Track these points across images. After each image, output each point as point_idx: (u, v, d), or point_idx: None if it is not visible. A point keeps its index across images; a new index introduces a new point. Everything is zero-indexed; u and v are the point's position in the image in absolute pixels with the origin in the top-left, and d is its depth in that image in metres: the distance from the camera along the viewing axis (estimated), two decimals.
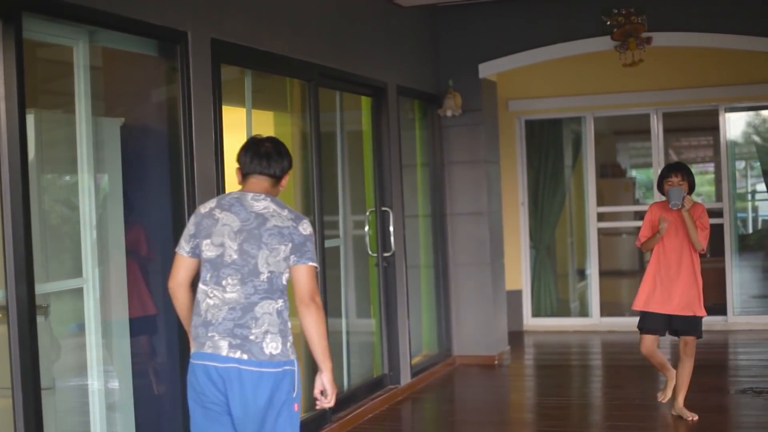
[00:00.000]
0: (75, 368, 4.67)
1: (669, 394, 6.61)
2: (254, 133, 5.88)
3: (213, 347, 3.71)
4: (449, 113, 8.77)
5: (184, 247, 3.85)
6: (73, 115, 4.54)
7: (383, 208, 7.72)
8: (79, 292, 4.57)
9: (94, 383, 4.60)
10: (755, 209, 12.20)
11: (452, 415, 7.62)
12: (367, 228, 7.67)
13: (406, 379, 7.93)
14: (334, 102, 7.39)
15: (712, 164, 12.35)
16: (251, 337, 3.70)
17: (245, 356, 3.68)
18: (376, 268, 7.74)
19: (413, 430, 7.24)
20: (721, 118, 10.49)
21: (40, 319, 4.12)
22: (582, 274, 11.36)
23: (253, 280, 3.73)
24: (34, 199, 4.13)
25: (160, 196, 5.21)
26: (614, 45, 8.54)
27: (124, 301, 4.88)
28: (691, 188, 6.44)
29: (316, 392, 3.85)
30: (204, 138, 5.20)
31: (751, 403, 7.12)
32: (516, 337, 10.30)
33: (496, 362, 9.02)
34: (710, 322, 10.42)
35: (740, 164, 11.66)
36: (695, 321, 6.41)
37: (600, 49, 8.74)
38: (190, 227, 3.87)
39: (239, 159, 3.94)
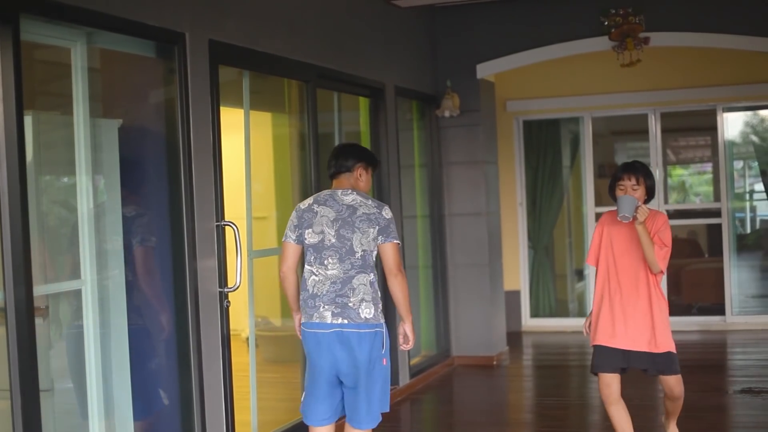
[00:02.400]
0: (73, 370, 4.66)
1: None
2: (252, 134, 5.93)
3: (319, 317, 4.59)
4: (447, 114, 8.78)
5: (290, 236, 4.74)
6: (71, 117, 4.53)
7: None
8: (77, 293, 4.56)
9: (93, 385, 4.60)
10: (753, 209, 12.18)
11: (451, 415, 7.62)
12: None
13: (404, 379, 7.93)
14: (332, 103, 7.38)
15: (710, 164, 12.34)
16: (350, 305, 4.57)
17: (345, 321, 4.56)
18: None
19: (412, 430, 7.24)
20: (719, 118, 10.51)
21: (38, 321, 4.12)
22: (580, 275, 11.37)
23: (350, 258, 4.59)
24: (32, 201, 4.12)
25: (158, 197, 5.20)
26: (612, 45, 8.55)
27: (123, 302, 4.88)
28: (650, 194, 5.22)
29: (400, 339, 4.81)
30: (202, 139, 5.20)
31: (749, 402, 7.13)
32: (514, 337, 10.31)
33: (494, 363, 9.03)
34: (709, 322, 10.48)
35: (738, 164, 11.65)
36: (667, 358, 5.21)
37: (598, 49, 8.75)
38: (293, 220, 4.75)
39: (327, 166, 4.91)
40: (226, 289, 5.35)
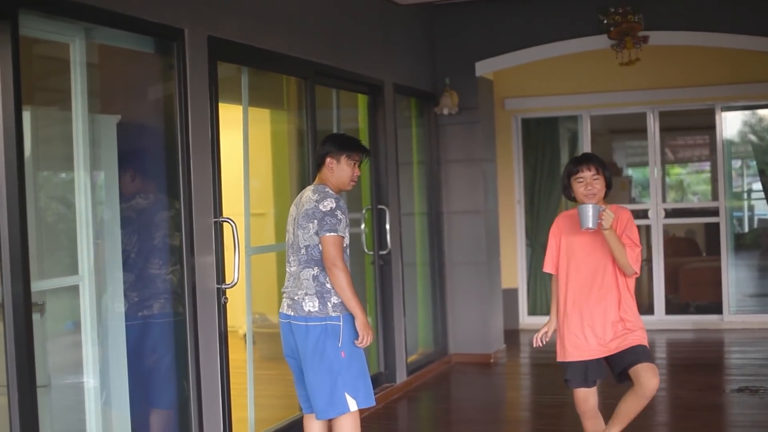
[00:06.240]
0: (71, 366, 4.66)
1: None
2: (250, 130, 5.93)
3: (281, 308, 4.83)
4: (446, 111, 8.78)
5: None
6: (70, 113, 4.53)
7: (379, 206, 7.72)
8: (75, 289, 4.56)
9: (90, 381, 4.60)
10: (751, 208, 12.21)
11: (448, 413, 7.62)
12: (363, 226, 7.67)
13: (402, 377, 7.93)
14: (330, 100, 7.38)
15: (708, 163, 12.35)
16: (296, 298, 4.72)
17: (292, 313, 4.73)
18: (373, 266, 7.74)
19: (409, 428, 7.24)
20: (717, 117, 10.50)
21: (35, 317, 4.12)
22: None
23: (297, 254, 4.74)
24: (30, 197, 4.12)
25: (157, 193, 5.20)
26: (611, 44, 8.55)
27: (120, 298, 4.88)
28: (609, 185, 4.80)
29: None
30: (200, 135, 5.20)
31: (746, 401, 7.13)
32: (512, 335, 10.31)
33: (492, 360, 9.03)
34: (706, 320, 10.48)
35: (736, 163, 11.66)
36: (640, 349, 4.78)
37: (597, 47, 8.74)
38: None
39: None
40: (223, 286, 5.35)
